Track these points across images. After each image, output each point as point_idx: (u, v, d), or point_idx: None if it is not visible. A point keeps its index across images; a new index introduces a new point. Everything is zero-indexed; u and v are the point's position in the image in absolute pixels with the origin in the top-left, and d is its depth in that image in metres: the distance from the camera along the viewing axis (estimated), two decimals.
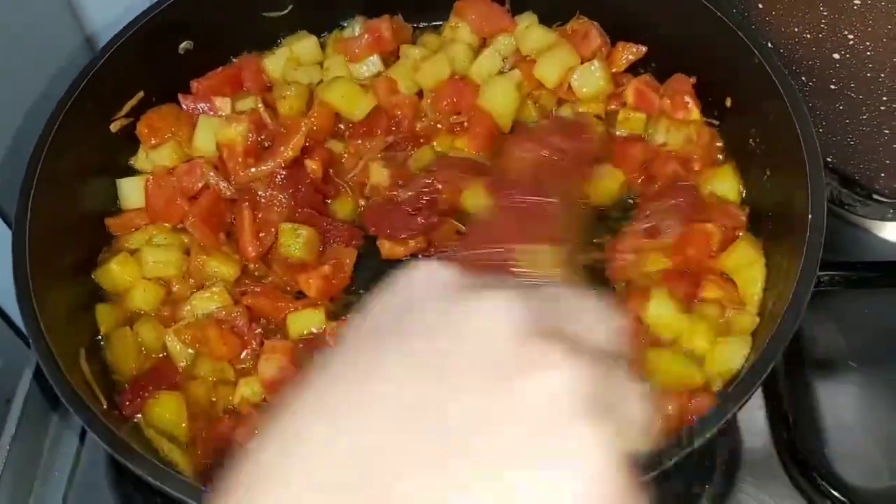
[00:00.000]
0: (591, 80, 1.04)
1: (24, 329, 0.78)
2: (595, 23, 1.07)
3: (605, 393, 0.39)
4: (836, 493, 0.83)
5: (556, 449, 0.37)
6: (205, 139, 1.00)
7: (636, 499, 0.38)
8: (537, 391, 0.38)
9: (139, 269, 0.94)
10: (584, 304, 0.45)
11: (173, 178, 0.98)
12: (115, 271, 0.93)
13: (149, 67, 1.00)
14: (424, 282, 0.44)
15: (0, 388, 0.99)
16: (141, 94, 1.01)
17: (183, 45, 1.03)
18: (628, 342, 0.45)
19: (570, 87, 1.05)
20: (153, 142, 1.00)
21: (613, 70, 1.06)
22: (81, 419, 0.73)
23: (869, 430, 0.91)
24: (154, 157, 1.00)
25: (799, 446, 0.86)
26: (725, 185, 0.97)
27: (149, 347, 0.90)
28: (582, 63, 1.06)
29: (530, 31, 1.09)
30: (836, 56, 0.88)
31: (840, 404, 0.93)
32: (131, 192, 0.99)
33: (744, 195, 0.97)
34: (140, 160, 1.02)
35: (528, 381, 0.38)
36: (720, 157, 1.01)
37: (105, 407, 0.81)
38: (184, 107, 1.03)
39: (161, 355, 0.90)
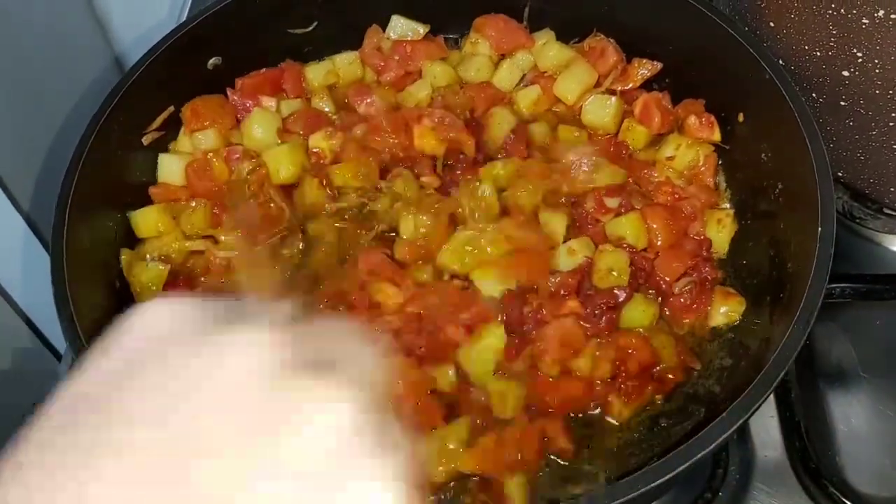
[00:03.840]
0: (600, 112, 1.07)
1: (60, 335, 0.80)
2: (611, 40, 1.10)
3: (375, 426, 0.37)
4: (847, 502, 0.85)
5: (345, 493, 0.35)
6: (260, 130, 1.04)
7: None
8: (309, 433, 0.35)
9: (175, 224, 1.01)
10: (339, 332, 0.42)
11: (213, 161, 1.02)
12: (153, 216, 0.99)
13: (178, 83, 1.04)
14: (162, 321, 0.39)
15: (29, 397, 1.02)
16: (171, 108, 1.04)
17: (211, 61, 1.06)
18: (382, 370, 0.42)
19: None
20: (194, 126, 1.05)
21: (630, 86, 1.09)
22: None
23: (880, 439, 0.93)
24: (196, 141, 1.05)
25: (811, 455, 0.87)
26: (722, 233, 0.99)
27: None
28: (599, 80, 1.09)
29: (548, 48, 1.12)
30: (846, 73, 0.90)
31: (852, 414, 0.94)
32: (169, 167, 1.04)
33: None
34: (180, 143, 1.06)
35: (296, 423, 0.35)
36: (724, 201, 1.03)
37: None
38: (231, 100, 1.07)
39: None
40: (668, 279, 0.95)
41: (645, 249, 0.97)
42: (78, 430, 0.35)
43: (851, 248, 1.05)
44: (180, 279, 0.97)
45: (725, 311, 0.94)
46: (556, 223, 0.97)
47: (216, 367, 0.36)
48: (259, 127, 1.04)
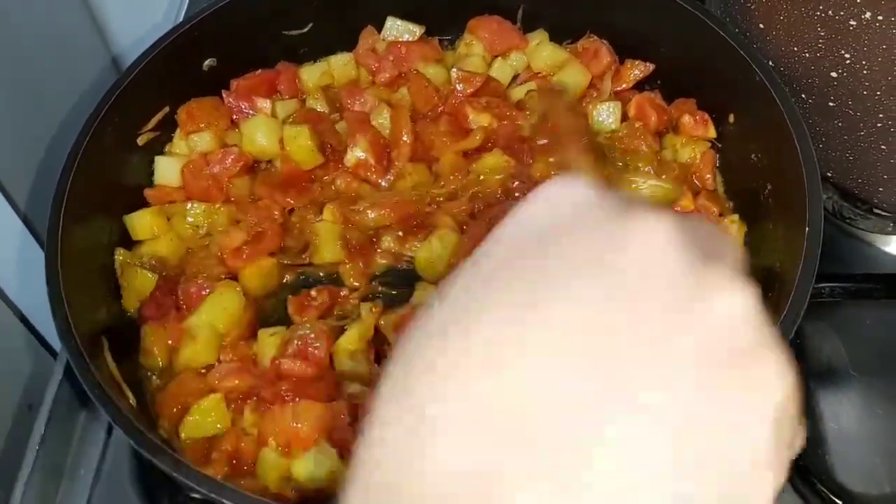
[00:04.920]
0: (610, 119, 1.08)
1: (56, 334, 0.81)
2: (604, 41, 1.11)
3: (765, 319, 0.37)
4: (836, 500, 0.85)
5: (749, 372, 0.35)
6: (263, 137, 1.04)
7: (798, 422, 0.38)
8: (722, 314, 0.36)
9: (169, 226, 1.02)
10: (709, 228, 0.42)
11: (209, 164, 1.03)
12: (147, 219, 1.00)
13: (174, 84, 1.04)
14: (568, 200, 0.40)
15: (24, 395, 1.03)
16: (167, 109, 1.05)
17: (207, 62, 1.07)
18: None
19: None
20: (190, 128, 1.05)
21: (622, 86, 1.10)
22: (108, 415, 0.75)
23: (870, 438, 0.93)
24: (191, 143, 1.05)
25: (801, 453, 0.87)
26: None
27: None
28: (594, 81, 1.10)
29: (541, 49, 1.13)
30: (834, 74, 0.91)
31: (841, 413, 0.94)
32: (166, 169, 1.04)
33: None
34: (176, 145, 1.07)
35: (713, 302, 0.36)
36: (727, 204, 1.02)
37: (133, 403, 0.84)
38: (226, 102, 1.08)
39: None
40: None
41: None
42: (498, 290, 0.36)
43: (842, 248, 1.05)
44: (172, 283, 0.97)
45: None
46: None
47: (629, 243, 0.37)
48: (261, 135, 1.05)
